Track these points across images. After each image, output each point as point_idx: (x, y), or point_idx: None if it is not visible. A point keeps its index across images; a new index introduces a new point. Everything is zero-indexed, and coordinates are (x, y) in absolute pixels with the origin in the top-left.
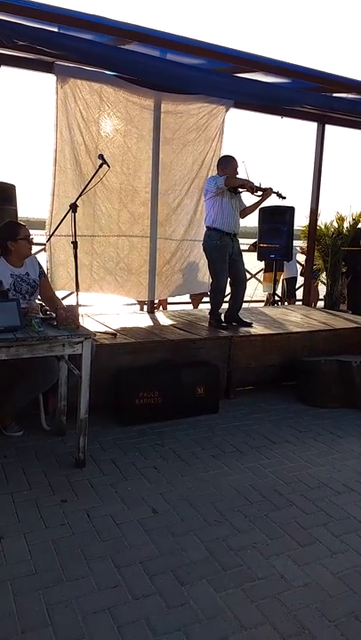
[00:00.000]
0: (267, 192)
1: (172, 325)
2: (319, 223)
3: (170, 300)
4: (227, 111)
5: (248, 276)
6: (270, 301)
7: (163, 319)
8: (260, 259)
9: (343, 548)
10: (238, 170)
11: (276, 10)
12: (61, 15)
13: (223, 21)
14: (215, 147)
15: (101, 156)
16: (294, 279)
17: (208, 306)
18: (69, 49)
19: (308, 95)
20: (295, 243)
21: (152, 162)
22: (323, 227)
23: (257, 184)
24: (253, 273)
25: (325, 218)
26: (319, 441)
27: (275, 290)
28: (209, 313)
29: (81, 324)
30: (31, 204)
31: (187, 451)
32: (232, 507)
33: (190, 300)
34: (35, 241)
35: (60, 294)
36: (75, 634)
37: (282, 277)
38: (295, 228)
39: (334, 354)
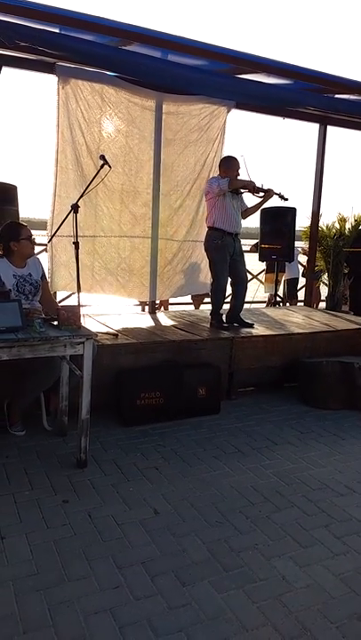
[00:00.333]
0: (268, 193)
1: (173, 326)
2: (321, 224)
3: (171, 300)
4: (228, 112)
5: (249, 276)
6: (272, 302)
7: (164, 320)
8: (261, 260)
9: (345, 550)
10: (240, 156)
11: (277, 11)
12: (63, 16)
13: (225, 22)
14: (217, 147)
15: (103, 157)
16: (296, 280)
17: (209, 306)
18: (71, 50)
19: (310, 96)
20: (297, 244)
21: (154, 163)
22: (324, 228)
23: (259, 185)
24: (255, 274)
25: (327, 219)
26: (321, 442)
27: (276, 291)
28: (210, 314)
29: (82, 324)
30: (33, 205)
31: (188, 451)
32: (233, 508)
33: (192, 301)
34: (36, 241)
35: (61, 295)
36: (76, 634)
37: (283, 278)
38: (297, 228)
39: (336, 355)
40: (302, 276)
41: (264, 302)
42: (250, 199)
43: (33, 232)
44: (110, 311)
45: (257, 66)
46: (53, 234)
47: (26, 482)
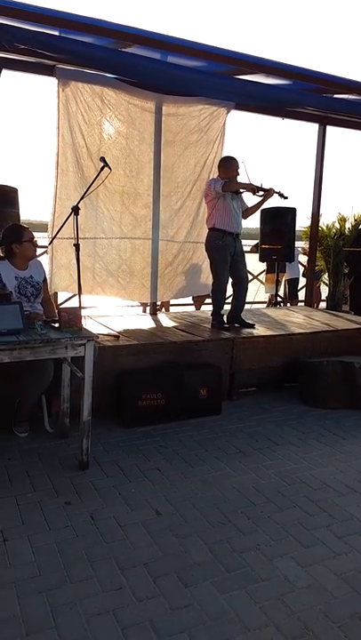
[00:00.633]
0: (268, 192)
1: (174, 327)
2: (321, 224)
3: (172, 301)
4: (228, 113)
5: (250, 277)
6: (272, 302)
7: (165, 321)
8: (261, 260)
9: (346, 550)
10: (239, 170)
11: (276, 12)
12: (62, 19)
13: (224, 24)
14: (217, 148)
15: (103, 159)
16: (296, 280)
17: (210, 307)
18: (70, 52)
19: (309, 96)
20: (297, 244)
21: (154, 164)
22: (325, 228)
23: (258, 184)
24: (256, 274)
25: (327, 219)
26: (322, 442)
27: (277, 291)
28: (211, 314)
29: (83, 326)
30: (33, 207)
31: (190, 452)
32: (235, 508)
33: (193, 302)
34: (37, 244)
35: (62, 296)
36: (79, 636)
37: (284, 279)
38: (297, 229)
39: (337, 355)
40: (303, 276)
41: (265, 303)
42: (250, 199)
43: (34, 234)
44: (111, 313)
45: (256, 67)
46: (54, 236)
47: (28, 484)
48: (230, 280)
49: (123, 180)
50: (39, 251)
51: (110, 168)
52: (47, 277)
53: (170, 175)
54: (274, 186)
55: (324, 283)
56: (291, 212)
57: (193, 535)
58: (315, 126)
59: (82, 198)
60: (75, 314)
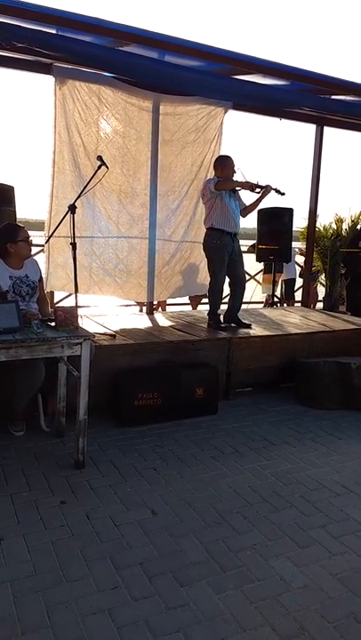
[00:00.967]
0: (266, 189)
1: (171, 327)
2: (318, 225)
3: (169, 301)
4: (225, 113)
5: (247, 277)
6: (269, 303)
7: (162, 320)
8: (258, 260)
9: (342, 550)
10: (236, 169)
11: (273, 12)
12: (59, 17)
13: (221, 23)
14: (214, 148)
15: (100, 158)
16: (293, 281)
17: (207, 307)
18: (68, 50)
19: (306, 97)
20: (294, 244)
21: (151, 163)
22: (322, 228)
23: (255, 182)
24: (253, 274)
25: (324, 219)
26: (318, 442)
27: (274, 291)
28: (208, 314)
29: (80, 325)
30: (30, 206)
31: (186, 452)
32: (231, 508)
33: (189, 301)
34: (34, 242)
35: (58, 295)
36: (74, 635)
37: (281, 279)
38: (294, 229)
39: (333, 355)
40: (300, 276)
41: (262, 303)
42: (248, 197)
43: (30, 233)
44: (108, 312)
45: (253, 67)
46: (51, 235)
47: (23, 483)
48: (227, 280)
49: (120, 178)
50: (35, 249)
51: (107, 167)
52: (43, 276)
53: (167, 174)
54: (271, 183)
55: (320, 283)
56: (288, 212)
57: (189, 535)
58: (312, 127)
59: (79, 197)
60: (71, 313)
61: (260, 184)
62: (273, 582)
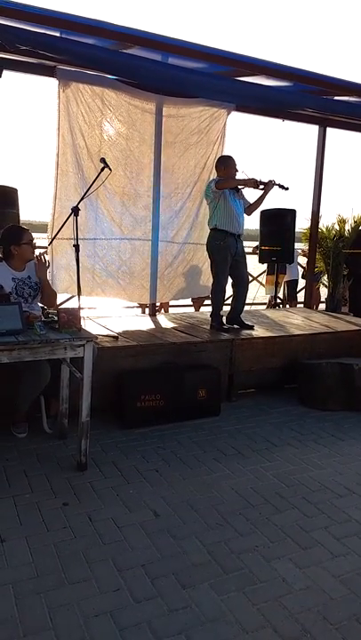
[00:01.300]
0: (269, 184)
1: (173, 328)
2: (321, 226)
3: (171, 302)
4: (228, 114)
5: (250, 278)
6: (272, 304)
7: (164, 322)
8: (261, 261)
9: (345, 551)
10: (240, 171)
11: (277, 13)
12: (63, 20)
13: (224, 25)
14: (217, 150)
15: (103, 160)
16: (295, 282)
17: (210, 308)
18: (71, 53)
19: (308, 98)
20: (297, 245)
21: (154, 165)
22: (324, 229)
23: (257, 179)
24: (255, 275)
25: (327, 220)
26: (321, 444)
27: (276, 292)
28: (210, 315)
29: (83, 327)
30: (33, 208)
31: (188, 454)
32: (233, 510)
33: (192, 303)
34: (37, 244)
35: (61, 297)
36: (76, 637)
37: (284, 280)
38: (297, 230)
39: (336, 356)
40: (302, 277)
41: (264, 304)
42: (252, 195)
43: (34, 235)
44: (110, 314)
45: (256, 68)
46: (54, 236)
47: (26, 484)
48: (230, 281)
49: (123, 180)
50: (38, 251)
51: (110, 169)
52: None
53: (170, 176)
54: (274, 178)
55: (323, 284)
56: (290, 213)
57: (191, 536)
58: (315, 128)
59: (82, 199)
60: (74, 314)
61: (262, 180)
62: (275, 584)
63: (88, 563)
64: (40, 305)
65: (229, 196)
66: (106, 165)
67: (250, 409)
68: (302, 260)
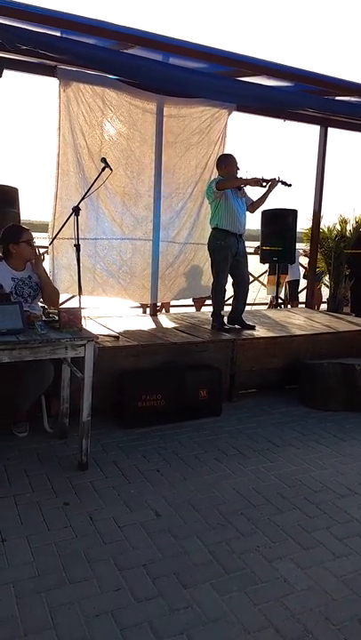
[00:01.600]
0: (272, 182)
1: (174, 328)
2: (322, 226)
3: (172, 302)
4: (229, 114)
5: (251, 278)
6: (273, 304)
7: (165, 322)
8: (262, 262)
9: (347, 552)
10: (245, 171)
11: (278, 14)
12: (64, 20)
13: (225, 25)
14: (218, 150)
15: (104, 160)
16: (297, 282)
17: (211, 308)
18: (72, 53)
19: (310, 98)
20: (298, 245)
21: (155, 165)
22: (326, 229)
23: (260, 177)
24: (256, 276)
25: (328, 220)
26: (322, 444)
27: (278, 293)
28: (211, 315)
29: (83, 326)
30: (34, 207)
31: (189, 454)
32: (235, 510)
33: (193, 303)
34: (37, 244)
35: (62, 297)
36: (77, 636)
37: (285, 280)
38: (298, 230)
39: (337, 357)
40: (303, 277)
41: (265, 304)
42: (255, 192)
43: (34, 234)
44: (111, 313)
45: (257, 68)
46: (55, 236)
47: (27, 484)
48: (231, 280)
49: (124, 180)
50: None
51: (111, 169)
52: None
53: (171, 176)
54: (277, 175)
55: (324, 284)
56: (292, 213)
57: (192, 536)
58: (316, 128)
59: (83, 199)
60: (75, 314)
61: (265, 178)
62: (277, 584)
63: (89, 562)
64: (41, 305)
65: (231, 196)
66: (107, 165)
67: (251, 409)
68: (304, 261)
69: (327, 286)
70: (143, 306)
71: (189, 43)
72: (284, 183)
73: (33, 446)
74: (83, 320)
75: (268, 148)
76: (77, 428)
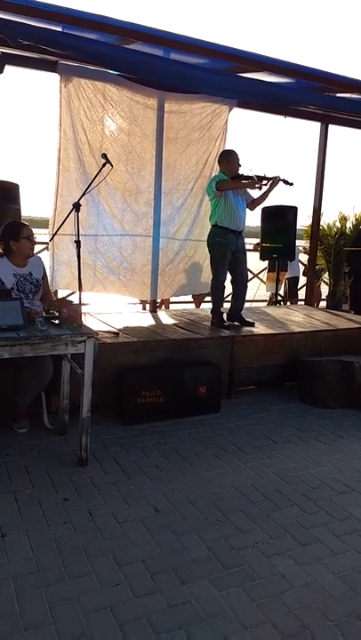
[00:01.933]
0: (274, 180)
1: (174, 325)
2: (322, 223)
3: (172, 299)
4: (230, 111)
5: (251, 275)
6: (273, 301)
7: (165, 318)
8: (262, 258)
9: (344, 548)
10: (248, 170)
11: (279, 9)
12: (65, 15)
13: (227, 21)
14: (219, 146)
15: (105, 156)
16: (296, 279)
17: (210, 305)
18: (73, 48)
19: (311, 95)
20: (298, 242)
21: (156, 161)
22: (325, 226)
23: (261, 174)
24: (256, 273)
25: (328, 218)
26: (321, 441)
27: (277, 290)
28: (211, 311)
29: (83, 323)
30: (35, 204)
31: (189, 450)
32: (233, 506)
33: (193, 300)
34: (38, 240)
35: (62, 293)
36: (76, 631)
37: (285, 277)
38: (298, 227)
39: (336, 354)
40: (303, 274)
41: (265, 301)
42: (256, 190)
43: (35, 230)
44: (111, 310)
45: (258, 64)
46: (55, 232)
47: (26, 480)
48: (230, 277)
49: (124, 176)
50: (39, 247)
51: (112, 165)
52: (48, 274)
53: (171, 172)
54: (278, 174)
55: (324, 282)
56: (292, 210)
57: (191, 532)
58: (317, 125)
59: (83, 195)
60: (75, 310)
61: (266, 176)
62: (275, 580)
63: (88, 558)
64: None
65: (231, 193)
66: (107, 161)
67: (250, 406)
68: (303, 258)
69: (327, 283)
70: (143, 302)
71: (191, 38)
72: (285, 182)
73: (33, 442)
74: (83, 316)
75: (269, 144)
76: (77, 424)
